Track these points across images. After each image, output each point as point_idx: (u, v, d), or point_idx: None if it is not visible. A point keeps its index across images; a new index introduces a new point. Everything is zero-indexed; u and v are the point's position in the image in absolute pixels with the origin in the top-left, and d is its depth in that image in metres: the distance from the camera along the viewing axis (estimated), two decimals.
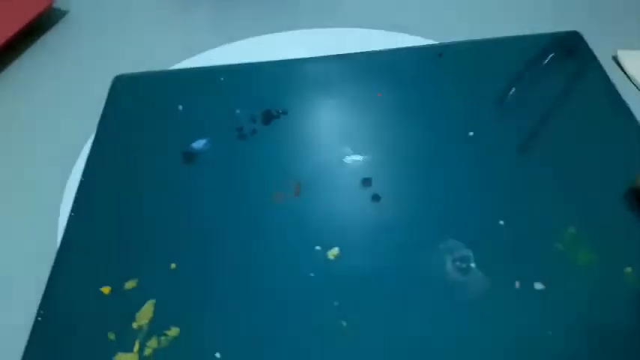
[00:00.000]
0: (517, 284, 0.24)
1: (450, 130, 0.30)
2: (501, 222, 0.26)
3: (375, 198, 0.28)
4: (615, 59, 0.36)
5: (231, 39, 0.39)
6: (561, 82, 0.32)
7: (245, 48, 0.37)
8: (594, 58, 0.32)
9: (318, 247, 0.26)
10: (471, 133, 0.30)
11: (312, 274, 0.25)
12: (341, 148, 0.30)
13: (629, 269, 0.24)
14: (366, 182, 0.29)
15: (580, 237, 0.25)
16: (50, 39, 0.43)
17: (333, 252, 0.26)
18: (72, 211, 0.29)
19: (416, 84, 0.33)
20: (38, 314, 0.25)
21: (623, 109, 0.30)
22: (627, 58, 0.35)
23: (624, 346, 0.22)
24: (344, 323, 0.24)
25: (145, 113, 0.34)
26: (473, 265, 0.25)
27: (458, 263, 0.25)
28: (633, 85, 0.34)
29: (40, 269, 0.27)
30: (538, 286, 0.24)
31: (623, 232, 0.25)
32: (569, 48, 0.33)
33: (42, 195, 0.31)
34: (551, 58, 0.33)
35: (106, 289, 0.26)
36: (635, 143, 0.28)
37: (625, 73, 0.35)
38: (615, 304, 0.23)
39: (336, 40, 0.37)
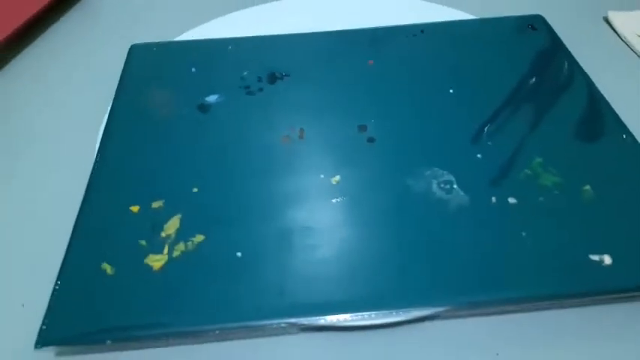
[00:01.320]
0: (493, 199, 0.28)
1: (433, 88, 0.35)
2: (479, 155, 0.31)
3: (370, 140, 0.32)
4: (606, 20, 0.40)
5: (242, 5, 0.44)
6: (529, 55, 0.38)
7: (255, 15, 0.42)
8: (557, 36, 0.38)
9: (322, 176, 0.30)
10: (451, 90, 0.35)
11: (317, 195, 0.29)
12: (339, 102, 0.35)
13: (587, 187, 0.29)
14: (362, 128, 0.33)
15: (545, 165, 0.30)
16: (74, 15, 0.47)
17: (336, 178, 0.30)
18: (100, 145, 0.32)
19: (402, 53, 0.38)
20: (75, 226, 0.28)
21: (578, 70, 0.35)
22: (617, 18, 0.39)
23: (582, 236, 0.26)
24: (349, 229, 0.28)
25: (161, 74, 0.37)
26: (455, 186, 0.29)
27: (442, 185, 0.29)
28: (624, 44, 0.38)
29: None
30: (512, 200, 0.28)
31: (582, 160, 0.30)
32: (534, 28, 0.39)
33: (74, 145, 0.35)
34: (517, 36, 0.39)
35: (134, 208, 0.29)
36: (584, 94, 0.34)
37: (616, 32, 0.39)
38: (575, 210, 0.28)
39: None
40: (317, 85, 0.36)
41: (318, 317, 0.24)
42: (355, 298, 0.25)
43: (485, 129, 0.32)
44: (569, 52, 0.37)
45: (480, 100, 0.34)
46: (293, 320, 0.24)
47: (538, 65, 0.37)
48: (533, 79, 0.35)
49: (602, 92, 0.34)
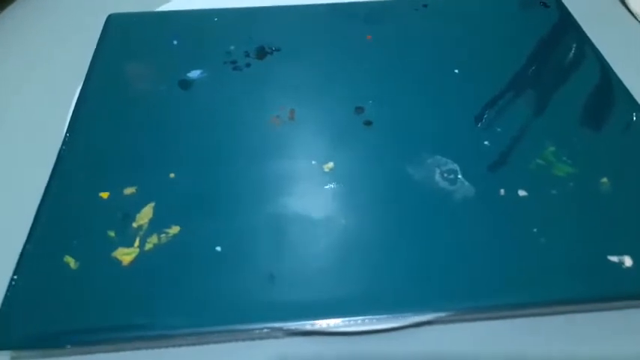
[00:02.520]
0: (502, 192, 0.26)
1: (437, 68, 0.32)
2: (486, 142, 0.28)
3: (367, 123, 0.29)
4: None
5: None
6: (540, 33, 0.35)
7: None
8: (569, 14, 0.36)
9: (314, 162, 0.27)
10: (456, 71, 0.32)
11: (308, 184, 0.26)
12: (333, 80, 0.32)
13: (605, 179, 0.26)
14: (359, 110, 0.30)
15: (558, 154, 0.27)
16: None
17: (328, 165, 0.27)
18: (69, 123, 0.29)
19: (403, 29, 0.35)
20: (37, 213, 0.25)
21: (591, 50, 0.33)
22: None
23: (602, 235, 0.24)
24: (343, 221, 0.25)
25: (139, 47, 0.34)
26: (460, 176, 0.26)
27: (445, 175, 0.27)
28: (637, 22, 0.36)
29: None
30: (522, 192, 0.26)
31: (599, 148, 0.27)
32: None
33: (43, 123, 0.32)
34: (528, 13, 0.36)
35: (104, 194, 0.26)
36: (598, 76, 0.31)
37: (631, 12, 0.36)
38: (592, 205, 0.25)
39: None
40: (310, 62, 0.33)
41: (305, 321, 0.22)
42: (347, 301, 0.22)
43: (493, 113, 0.29)
44: (583, 30, 0.34)
45: (487, 81, 0.31)
46: (277, 325, 0.22)
47: (550, 44, 0.34)
48: (545, 60, 0.32)
49: (618, 74, 0.31)
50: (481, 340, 0.23)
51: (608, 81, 0.31)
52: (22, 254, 0.24)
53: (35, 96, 0.34)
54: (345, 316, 0.22)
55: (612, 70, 0.32)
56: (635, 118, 0.29)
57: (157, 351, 0.22)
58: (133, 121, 0.29)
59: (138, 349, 0.23)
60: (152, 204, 0.25)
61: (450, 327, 0.23)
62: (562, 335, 0.23)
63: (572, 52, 0.33)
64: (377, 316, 0.22)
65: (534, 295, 0.22)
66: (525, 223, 0.24)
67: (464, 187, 0.26)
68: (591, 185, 0.26)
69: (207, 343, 0.23)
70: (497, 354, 0.22)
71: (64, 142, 0.28)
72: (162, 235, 0.24)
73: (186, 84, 0.32)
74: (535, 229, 0.24)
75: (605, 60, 0.32)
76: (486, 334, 0.23)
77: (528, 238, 0.24)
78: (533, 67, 0.32)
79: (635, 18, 0.37)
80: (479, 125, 0.29)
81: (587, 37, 0.34)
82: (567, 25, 0.35)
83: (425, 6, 0.37)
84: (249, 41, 0.34)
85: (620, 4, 0.38)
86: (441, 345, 0.23)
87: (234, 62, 0.33)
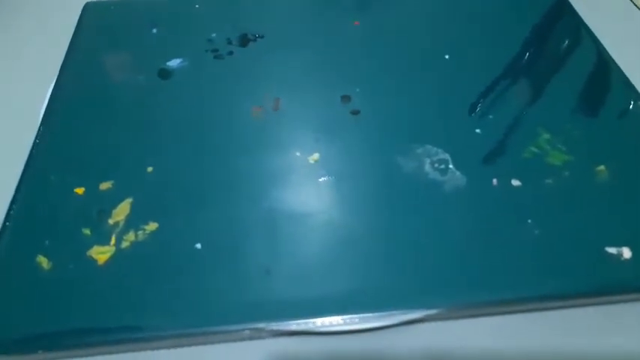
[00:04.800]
0: (494, 181, 0.25)
1: (427, 53, 0.31)
2: (478, 130, 0.27)
3: (355, 112, 0.28)
4: None
5: None
6: (533, 17, 0.33)
7: None
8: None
9: (298, 153, 0.26)
10: (447, 56, 0.31)
11: (292, 176, 0.25)
12: (320, 68, 0.30)
13: (602, 167, 0.25)
14: (346, 98, 0.29)
15: (553, 141, 0.26)
16: None
17: (314, 157, 0.26)
18: (44, 115, 0.27)
19: (392, 14, 0.34)
20: (8, 210, 0.24)
21: (588, 34, 0.32)
22: None
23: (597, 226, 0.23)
24: (328, 215, 0.24)
25: (117, 36, 0.33)
26: (451, 166, 0.25)
27: (436, 165, 0.25)
28: (635, 7, 0.35)
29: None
30: (515, 182, 0.24)
31: (595, 135, 0.26)
32: None
33: (15, 116, 0.30)
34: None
35: (79, 190, 0.25)
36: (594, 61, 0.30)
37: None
38: (588, 194, 0.24)
39: None
40: (295, 49, 0.31)
41: (290, 321, 0.21)
42: (335, 299, 0.21)
43: (485, 100, 0.28)
44: (578, 14, 0.33)
45: (479, 67, 0.30)
46: (261, 325, 0.21)
47: (544, 29, 0.32)
48: (539, 46, 0.31)
49: (615, 59, 0.30)
50: (474, 337, 0.22)
51: (604, 66, 0.30)
52: None
53: (8, 87, 0.33)
54: (332, 315, 0.21)
55: (609, 55, 0.30)
56: (632, 104, 0.28)
57: (132, 355, 0.21)
58: (110, 112, 0.28)
59: (114, 352, 0.21)
60: (129, 199, 0.24)
61: (443, 324, 0.22)
62: (558, 331, 0.22)
63: (568, 37, 0.32)
64: (365, 315, 0.21)
65: (529, 289, 0.22)
66: (519, 213, 0.23)
67: (455, 178, 0.25)
68: (587, 174, 0.25)
69: (189, 345, 0.22)
70: (492, 351, 0.21)
71: (37, 136, 0.27)
72: (140, 232, 0.23)
73: (165, 73, 0.30)
74: (529, 220, 0.23)
75: (601, 45, 0.31)
76: (480, 330, 0.22)
77: (522, 229, 0.23)
78: (527, 53, 0.31)
79: (632, 2, 0.36)
80: (470, 113, 0.28)
81: (582, 21, 0.33)
82: (563, 10, 0.34)
83: None
84: (232, 28, 0.33)
85: None
86: (434, 342, 0.22)
87: (215, 50, 0.32)
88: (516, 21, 0.33)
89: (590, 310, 0.22)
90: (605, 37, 0.32)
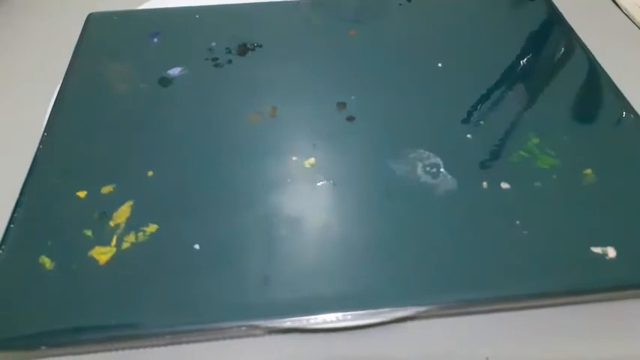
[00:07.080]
0: (484, 184, 0.25)
1: (420, 62, 0.32)
2: (469, 136, 0.28)
3: (350, 119, 0.29)
4: None
5: None
6: (525, 27, 0.34)
7: None
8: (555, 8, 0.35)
9: (294, 158, 0.27)
10: (440, 65, 0.32)
11: (288, 180, 0.26)
12: (316, 76, 0.31)
13: (588, 171, 0.26)
14: (341, 105, 0.30)
15: (542, 146, 0.27)
16: None
17: (310, 161, 0.27)
18: (47, 122, 0.28)
19: (387, 24, 0.35)
20: (13, 213, 0.24)
21: (577, 43, 0.32)
22: None
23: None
24: (323, 218, 0.24)
25: (119, 45, 0.34)
26: (442, 170, 0.26)
27: (428, 168, 0.26)
28: (625, 16, 0.36)
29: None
30: (504, 185, 0.25)
31: (583, 141, 0.27)
32: None
33: (20, 122, 0.31)
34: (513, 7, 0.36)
35: (82, 194, 0.25)
36: (583, 68, 0.31)
37: (616, 4, 0.36)
38: (575, 197, 0.25)
39: None
40: (292, 58, 0.32)
41: (285, 319, 0.21)
42: (329, 297, 0.22)
43: (477, 107, 0.29)
44: (569, 24, 0.34)
45: (471, 75, 0.31)
46: (257, 322, 0.21)
47: (535, 38, 0.33)
48: (530, 54, 0.32)
49: (604, 67, 0.31)
50: (464, 335, 0.22)
51: (593, 73, 0.31)
52: None
53: (14, 95, 0.34)
54: (326, 312, 0.21)
55: (598, 63, 0.31)
56: (620, 111, 0.28)
57: (132, 352, 0.22)
58: (112, 119, 0.29)
59: (115, 349, 0.22)
60: (130, 202, 0.25)
61: (433, 322, 0.23)
62: (545, 329, 0.22)
63: (558, 45, 0.33)
64: (357, 312, 0.21)
65: (518, 287, 0.22)
66: (508, 215, 0.24)
67: (446, 181, 0.26)
68: (575, 177, 0.26)
69: (186, 342, 0.22)
70: (480, 349, 0.22)
71: (41, 142, 0.28)
72: (140, 234, 0.24)
73: (166, 81, 0.31)
74: (518, 222, 0.24)
75: (591, 53, 0.32)
76: (469, 328, 0.22)
77: (511, 230, 0.24)
78: (518, 61, 0.32)
79: (622, 11, 0.37)
80: (462, 119, 0.28)
81: (572, 29, 0.34)
82: (553, 19, 0.35)
83: (409, 0, 0.36)
84: (231, 38, 0.34)
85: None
86: (423, 340, 0.22)
87: (215, 59, 0.33)
88: (508, 31, 0.34)
89: (577, 308, 0.23)
90: (595, 45, 0.33)
